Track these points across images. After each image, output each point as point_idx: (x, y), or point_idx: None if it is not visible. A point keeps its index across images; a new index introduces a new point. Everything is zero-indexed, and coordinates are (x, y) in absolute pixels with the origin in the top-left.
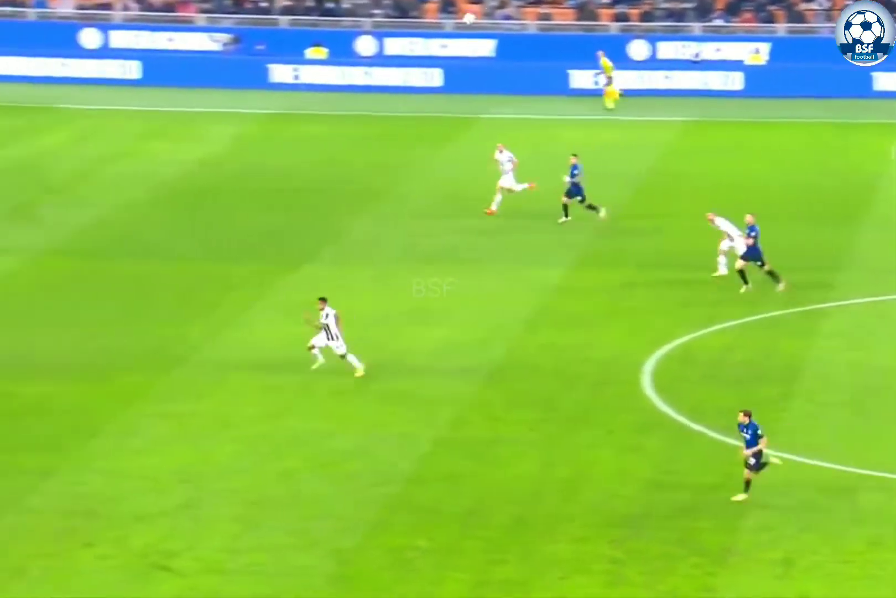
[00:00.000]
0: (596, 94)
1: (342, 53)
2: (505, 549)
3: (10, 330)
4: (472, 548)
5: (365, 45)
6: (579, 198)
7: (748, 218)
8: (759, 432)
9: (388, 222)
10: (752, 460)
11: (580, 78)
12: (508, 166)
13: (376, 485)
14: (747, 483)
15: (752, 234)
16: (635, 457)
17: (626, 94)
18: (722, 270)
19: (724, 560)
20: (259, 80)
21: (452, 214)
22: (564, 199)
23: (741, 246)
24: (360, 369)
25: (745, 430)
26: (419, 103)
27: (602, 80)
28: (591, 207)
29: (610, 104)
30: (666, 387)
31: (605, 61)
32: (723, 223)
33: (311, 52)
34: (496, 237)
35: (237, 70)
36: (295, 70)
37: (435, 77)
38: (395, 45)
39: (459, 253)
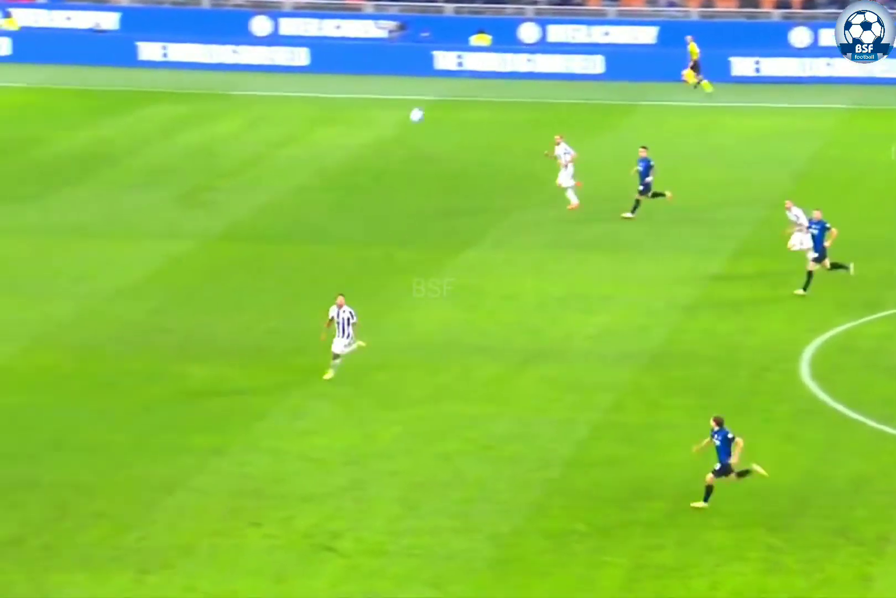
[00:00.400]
0: (758, 81)
1: (505, 40)
2: (663, 534)
3: (184, 313)
4: (630, 533)
5: (528, 33)
6: (641, 188)
7: (816, 213)
8: (730, 435)
9: (549, 208)
10: (717, 466)
11: (741, 65)
12: (566, 159)
13: (536, 469)
14: (708, 489)
15: (813, 226)
16: (794, 445)
17: (713, 82)
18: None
19: (882, 550)
20: (424, 67)
21: (612, 200)
22: (639, 196)
23: (807, 241)
24: (330, 373)
25: (715, 436)
26: (580, 90)
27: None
28: (638, 202)
29: (691, 80)
30: (824, 375)
31: (692, 47)
32: (798, 214)
33: (475, 40)
34: (655, 224)
35: (403, 57)
36: (459, 57)
37: (597, 64)
38: (557, 33)
39: (618, 239)
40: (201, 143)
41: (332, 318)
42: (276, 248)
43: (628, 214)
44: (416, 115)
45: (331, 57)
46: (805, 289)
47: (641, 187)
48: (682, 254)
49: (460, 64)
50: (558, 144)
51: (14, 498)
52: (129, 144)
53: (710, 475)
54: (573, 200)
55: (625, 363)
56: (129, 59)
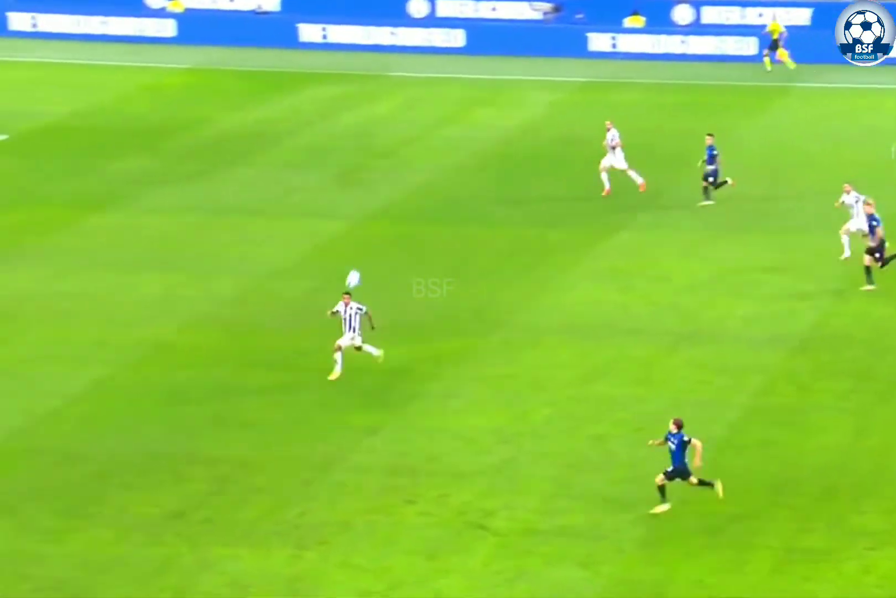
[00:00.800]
0: None
1: (659, 22)
2: (813, 518)
3: (340, 292)
4: (781, 516)
5: (682, 14)
6: (710, 178)
7: (867, 209)
8: (686, 438)
9: (699, 190)
10: (670, 468)
11: None
12: (612, 143)
13: None
14: (661, 489)
15: (874, 224)
16: None
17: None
18: (847, 252)
19: None
20: (578, 49)
21: (762, 182)
22: (704, 182)
23: (859, 225)
24: (379, 355)
25: (671, 439)
26: (734, 72)
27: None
28: (706, 189)
29: (791, 65)
30: None
31: (775, 24)
32: (855, 199)
33: (629, 21)
34: (807, 206)
35: (557, 39)
36: (613, 39)
37: (750, 46)
38: (711, 14)
39: (769, 221)
40: (359, 123)
41: (338, 311)
42: (430, 228)
43: (706, 201)
44: (353, 278)
45: (486, 38)
46: (871, 280)
47: (710, 177)
48: (834, 236)
49: (614, 45)
50: (608, 130)
51: (176, 473)
52: (290, 124)
53: (660, 476)
54: (606, 184)
55: (775, 346)
56: (289, 40)
